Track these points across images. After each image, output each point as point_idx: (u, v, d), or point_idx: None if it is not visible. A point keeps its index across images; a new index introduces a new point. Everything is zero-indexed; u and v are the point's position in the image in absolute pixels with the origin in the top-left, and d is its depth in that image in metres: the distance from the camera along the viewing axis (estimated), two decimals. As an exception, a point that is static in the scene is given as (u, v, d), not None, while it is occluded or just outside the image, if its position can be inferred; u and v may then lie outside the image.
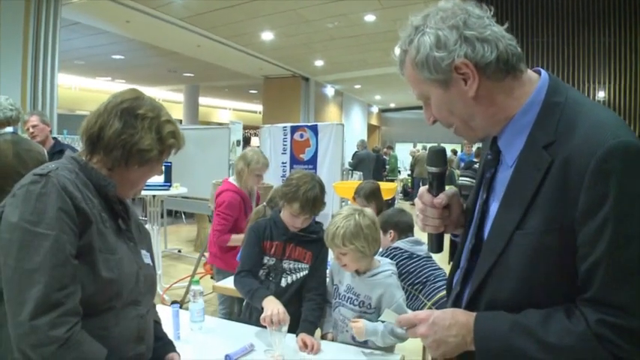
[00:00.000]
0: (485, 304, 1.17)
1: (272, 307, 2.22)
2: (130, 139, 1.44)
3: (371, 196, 4.01)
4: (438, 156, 1.37)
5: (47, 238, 1.23)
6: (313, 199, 2.44)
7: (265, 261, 2.58)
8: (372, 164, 13.26)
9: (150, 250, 1.70)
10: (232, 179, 4.06)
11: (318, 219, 6.37)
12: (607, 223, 0.98)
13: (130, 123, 1.45)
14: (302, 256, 2.57)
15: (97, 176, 1.44)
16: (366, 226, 2.22)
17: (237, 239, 3.73)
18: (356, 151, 13.65)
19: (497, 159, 1.26)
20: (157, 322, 1.75)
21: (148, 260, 1.63)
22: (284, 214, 2.55)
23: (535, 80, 1.17)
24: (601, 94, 8.69)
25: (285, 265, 2.56)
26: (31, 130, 4.34)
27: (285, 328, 2.15)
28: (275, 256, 2.58)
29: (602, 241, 0.99)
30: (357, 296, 2.29)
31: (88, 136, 1.46)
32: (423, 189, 1.39)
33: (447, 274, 1.48)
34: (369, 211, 2.33)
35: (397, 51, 1.24)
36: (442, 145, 1.53)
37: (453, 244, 1.53)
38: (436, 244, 1.43)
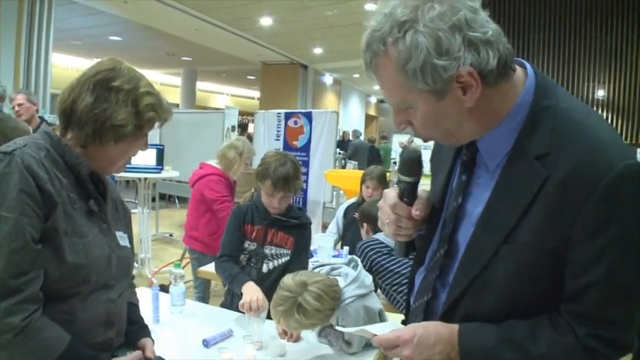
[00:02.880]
0: (462, 316, 1.12)
1: (251, 293, 2.20)
2: (102, 114, 1.34)
3: (382, 179, 4.04)
4: (412, 164, 1.22)
5: (6, 222, 1.17)
6: (284, 175, 2.40)
7: (246, 246, 2.55)
8: (366, 154, 13.22)
9: (128, 230, 1.64)
10: (214, 163, 4.10)
11: (309, 207, 6.35)
12: (609, 247, 0.95)
13: (102, 97, 1.35)
14: (284, 241, 2.54)
15: (70, 154, 1.36)
16: (313, 313, 1.90)
17: None
18: (349, 140, 13.60)
19: (474, 161, 1.14)
20: (134, 305, 1.69)
21: (124, 242, 1.56)
22: (262, 196, 2.53)
23: (522, 79, 1.07)
24: (600, 93, 8.65)
25: (267, 250, 2.54)
26: (16, 108, 4.36)
27: (264, 314, 2.13)
28: (256, 241, 2.55)
29: (601, 265, 0.96)
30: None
31: (62, 110, 1.38)
32: (392, 195, 1.23)
33: None
34: (311, 294, 1.91)
35: (365, 44, 1.03)
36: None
37: (411, 250, 1.39)
38: (407, 250, 1.34)
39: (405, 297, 1.46)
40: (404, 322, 1.41)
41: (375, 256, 2.83)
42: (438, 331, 1.12)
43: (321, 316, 1.93)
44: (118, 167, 1.51)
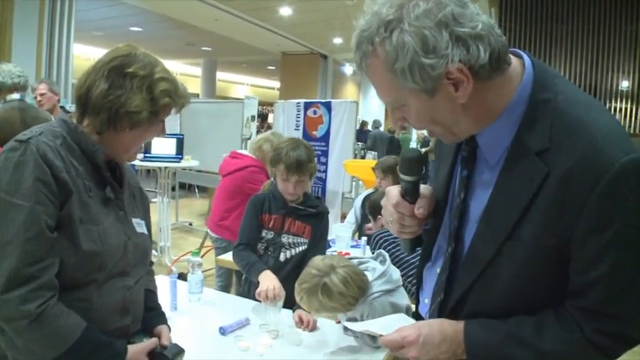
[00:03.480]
0: (469, 313, 1.13)
1: (268, 282, 2.20)
2: (117, 101, 1.33)
3: (387, 170, 3.98)
4: (412, 164, 1.20)
5: (22, 210, 1.18)
6: (297, 158, 2.41)
7: (264, 234, 2.55)
8: (386, 145, 13.11)
9: (146, 217, 1.64)
10: (249, 153, 4.03)
11: (328, 197, 6.32)
12: (613, 243, 0.94)
13: (117, 83, 1.34)
14: (301, 230, 2.54)
15: (86, 141, 1.36)
16: (337, 296, 1.90)
17: None
18: (369, 131, 13.49)
19: (474, 156, 1.14)
20: (151, 292, 1.69)
21: (141, 229, 1.55)
22: (278, 183, 2.53)
23: (519, 72, 1.05)
24: (625, 84, 8.48)
25: (284, 239, 2.53)
26: (38, 98, 4.38)
27: (280, 303, 2.12)
28: (274, 230, 2.55)
29: (605, 261, 0.95)
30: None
31: (78, 97, 1.38)
32: (395, 194, 1.22)
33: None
34: (334, 280, 1.90)
35: (355, 44, 1.03)
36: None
37: (416, 246, 1.40)
38: (412, 246, 1.34)
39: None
40: (415, 316, 1.42)
41: (390, 247, 2.83)
42: (443, 329, 1.12)
43: (344, 302, 1.92)
44: (130, 155, 1.51)
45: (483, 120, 1.05)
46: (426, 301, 1.32)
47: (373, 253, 2.83)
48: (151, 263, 1.75)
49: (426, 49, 0.92)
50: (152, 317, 1.62)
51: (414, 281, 2.65)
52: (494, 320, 1.07)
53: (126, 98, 1.34)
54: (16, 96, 3.44)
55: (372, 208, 3.31)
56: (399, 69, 0.95)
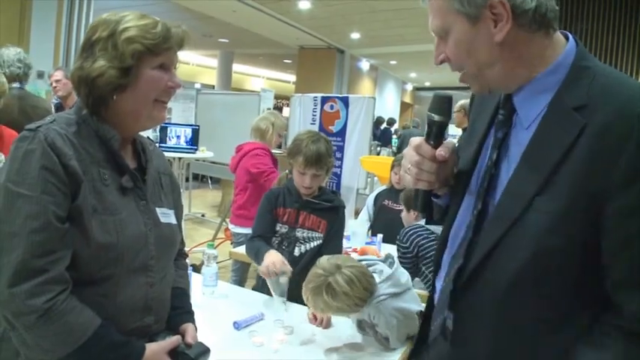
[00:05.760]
0: (492, 275, 1.07)
1: (270, 258, 2.18)
2: (84, 73, 1.27)
3: None
4: (444, 102, 1.21)
5: (28, 200, 1.14)
6: (317, 151, 2.39)
7: (278, 228, 2.53)
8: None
9: (175, 206, 1.55)
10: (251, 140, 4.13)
11: (343, 192, 6.29)
12: None
13: (87, 55, 1.28)
14: (316, 224, 2.50)
15: (103, 127, 1.30)
16: (342, 296, 1.86)
17: None
18: (387, 128, 13.39)
19: (510, 119, 1.13)
20: (180, 289, 1.58)
21: (166, 219, 1.45)
22: (294, 175, 2.50)
23: (563, 43, 1.08)
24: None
25: (299, 233, 2.51)
26: (54, 84, 4.39)
27: (285, 279, 2.11)
28: (288, 224, 2.52)
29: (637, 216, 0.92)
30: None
31: (75, 88, 1.34)
32: (417, 139, 1.22)
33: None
34: (343, 276, 1.88)
35: None
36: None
37: (429, 205, 1.34)
38: (424, 202, 1.29)
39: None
40: (428, 305, 1.37)
41: (422, 241, 2.78)
42: None
43: (350, 303, 1.88)
44: (145, 119, 1.37)
45: (517, 74, 1.07)
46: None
47: (404, 247, 2.79)
48: (185, 256, 1.69)
49: None
50: (177, 315, 1.51)
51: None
52: None
53: (90, 65, 1.27)
54: (16, 85, 3.39)
55: (406, 199, 3.25)
56: None
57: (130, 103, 1.32)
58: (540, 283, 1.02)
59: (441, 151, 1.19)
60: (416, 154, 1.21)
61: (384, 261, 2.13)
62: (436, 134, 1.20)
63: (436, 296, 1.29)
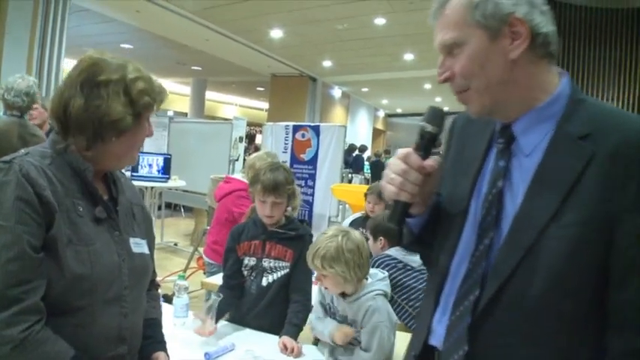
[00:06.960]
0: (510, 303, 1.06)
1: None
2: (98, 112, 1.30)
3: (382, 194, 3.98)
4: (438, 114, 1.20)
5: (3, 230, 1.15)
6: (274, 179, 2.44)
7: (246, 262, 2.55)
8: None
9: (148, 236, 1.58)
10: (241, 177, 4.08)
11: (315, 220, 6.31)
12: None
13: (93, 94, 1.30)
14: (282, 254, 2.52)
15: (76, 159, 1.33)
16: (349, 250, 2.09)
17: None
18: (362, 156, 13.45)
19: (509, 147, 1.15)
20: (152, 319, 1.61)
21: (139, 249, 1.48)
22: (257, 205, 2.54)
23: (558, 77, 1.15)
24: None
25: (265, 263, 2.52)
26: (30, 111, 4.36)
27: (216, 298, 2.26)
28: (255, 256, 2.54)
29: None
30: (344, 318, 2.21)
31: (56, 118, 1.34)
32: (405, 149, 1.19)
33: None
34: (356, 234, 2.18)
35: None
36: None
37: (404, 221, 1.27)
38: (402, 216, 1.21)
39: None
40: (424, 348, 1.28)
41: (391, 271, 2.81)
42: None
43: (352, 264, 2.08)
44: (126, 162, 1.48)
45: (522, 100, 1.12)
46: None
47: None
48: (157, 286, 1.70)
49: None
50: (149, 345, 1.54)
51: (417, 304, 2.71)
52: None
53: (106, 107, 1.31)
54: (16, 113, 3.46)
55: (374, 227, 3.25)
56: (476, 1, 1.06)
57: (123, 147, 1.39)
58: (563, 298, 1.03)
59: (430, 162, 1.17)
60: (402, 162, 1.17)
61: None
62: (426, 145, 1.19)
63: (437, 334, 1.22)
